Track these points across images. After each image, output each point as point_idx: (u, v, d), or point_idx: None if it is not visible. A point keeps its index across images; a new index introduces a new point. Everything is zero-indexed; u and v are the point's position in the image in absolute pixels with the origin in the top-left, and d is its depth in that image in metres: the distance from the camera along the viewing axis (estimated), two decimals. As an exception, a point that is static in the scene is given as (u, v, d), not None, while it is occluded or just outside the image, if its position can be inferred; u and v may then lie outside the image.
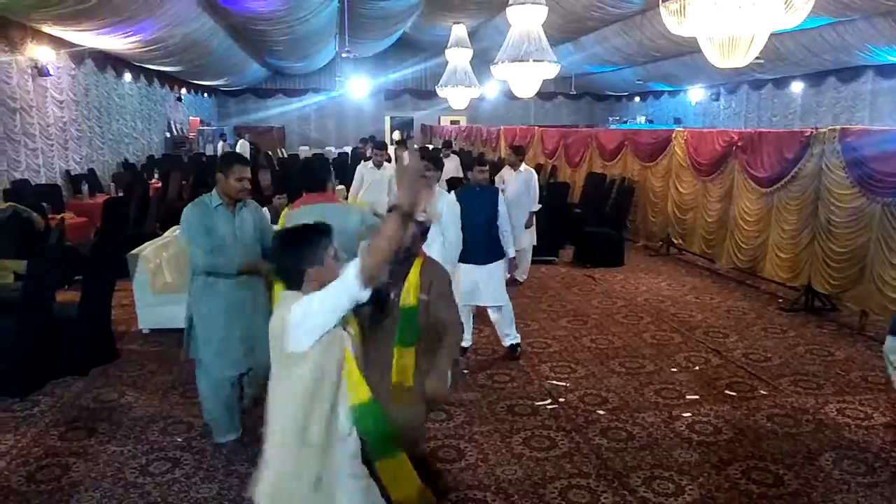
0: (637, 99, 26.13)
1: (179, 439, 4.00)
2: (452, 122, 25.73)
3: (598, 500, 3.37)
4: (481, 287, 5.12)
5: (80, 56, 12.22)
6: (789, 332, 6.07)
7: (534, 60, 12.67)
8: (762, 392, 4.71)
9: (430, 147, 15.79)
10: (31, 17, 9.46)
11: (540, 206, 7.65)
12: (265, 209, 4.21)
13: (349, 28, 16.36)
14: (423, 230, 2.75)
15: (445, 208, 4.37)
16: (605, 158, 11.38)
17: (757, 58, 7.72)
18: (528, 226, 7.44)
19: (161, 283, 6.00)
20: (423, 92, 26.27)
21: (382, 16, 17.04)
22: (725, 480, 3.55)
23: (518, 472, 3.62)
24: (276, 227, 3.69)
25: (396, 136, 20.40)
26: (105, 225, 8.25)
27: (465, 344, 5.24)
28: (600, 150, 11.56)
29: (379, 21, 17.69)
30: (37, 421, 4.25)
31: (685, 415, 4.35)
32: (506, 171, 7.68)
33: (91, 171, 12.48)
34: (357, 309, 2.10)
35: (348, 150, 20.48)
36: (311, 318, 1.96)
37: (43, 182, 10.64)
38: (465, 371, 5.04)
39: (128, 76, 15.11)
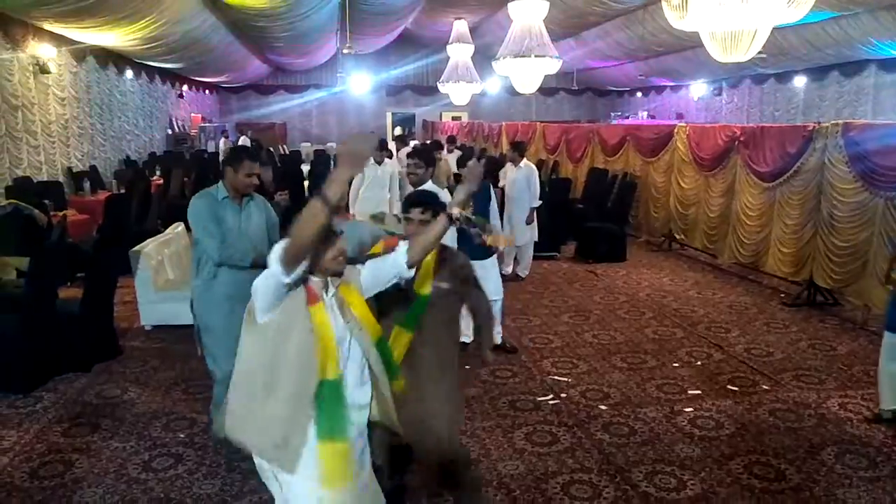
0: (639, 94, 26.07)
1: (182, 435, 4.01)
2: (454, 118, 25.69)
3: (600, 495, 3.38)
4: None
5: (81, 53, 12.22)
6: (791, 326, 6.06)
7: (535, 56, 12.66)
8: (764, 387, 4.71)
9: (428, 142, 15.76)
10: (32, 14, 9.46)
11: (540, 202, 7.65)
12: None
13: (350, 24, 16.33)
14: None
15: None
16: (606, 154, 11.37)
17: (759, 52, 7.70)
18: (528, 222, 7.44)
19: (163, 280, 6.01)
20: (425, 88, 26.24)
21: (384, 12, 17.01)
22: (727, 475, 3.55)
23: (520, 468, 3.62)
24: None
25: (398, 131, 20.40)
26: (107, 222, 8.25)
27: (464, 339, 5.24)
28: (602, 146, 11.55)
29: (380, 17, 17.66)
30: (40, 417, 4.26)
31: (687, 410, 4.35)
32: (508, 167, 7.69)
33: (93, 168, 12.48)
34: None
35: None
36: (261, 293, 2.09)
37: (45, 179, 10.65)
38: (468, 367, 5.04)
39: (129, 73, 15.11)
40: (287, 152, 20.99)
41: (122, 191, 10.41)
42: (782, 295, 7.05)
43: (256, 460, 2.25)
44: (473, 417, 4.22)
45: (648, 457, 3.75)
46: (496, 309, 5.32)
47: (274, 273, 2.03)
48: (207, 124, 22.43)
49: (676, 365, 5.14)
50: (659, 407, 4.39)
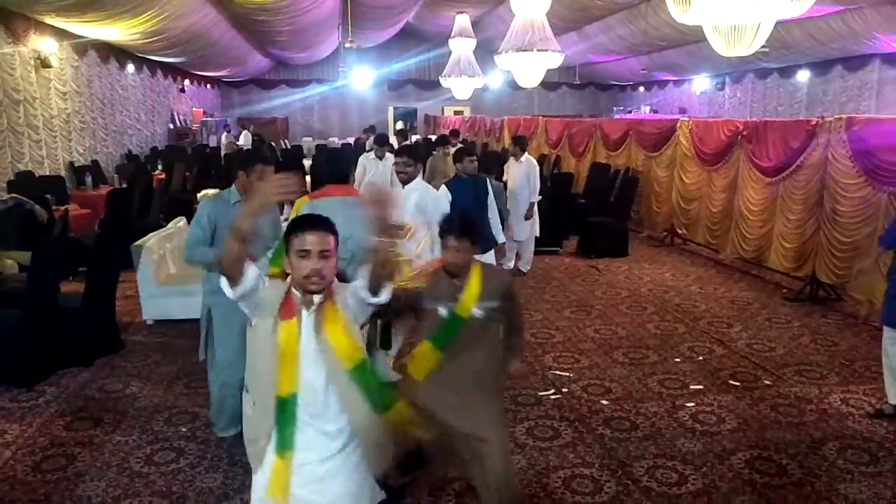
0: (641, 88, 26.01)
1: (184, 429, 4.02)
2: (456, 113, 25.65)
3: (602, 490, 3.38)
4: None
5: (82, 47, 12.21)
6: (794, 322, 6.05)
7: (538, 50, 12.65)
8: (766, 382, 4.71)
9: (432, 137, 15.74)
10: (34, 8, 9.45)
11: (540, 197, 7.63)
12: None
13: (352, 18, 16.31)
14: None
15: (430, 203, 4.33)
16: (609, 148, 11.34)
17: (762, 46, 7.68)
18: (527, 217, 7.43)
19: (165, 275, 6.01)
20: (427, 82, 26.21)
21: (385, 5, 16.98)
22: (729, 470, 3.55)
23: (522, 462, 3.62)
24: (289, 216, 3.63)
25: (399, 125, 20.40)
26: (109, 216, 8.25)
27: None
28: (604, 140, 11.52)
29: (382, 11, 17.64)
30: (42, 411, 4.27)
31: (689, 405, 4.34)
32: (511, 162, 7.70)
33: (95, 162, 12.49)
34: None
35: (351, 140, 20.46)
36: None
37: (47, 174, 10.64)
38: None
39: (131, 67, 15.09)
40: (289, 147, 20.97)
41: (124, 185, 10.40)
42: (784, 290, 7.04)
43: None
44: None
45: (650, 451, 3.75)
46: None
47: (223, 286, 2.07)
48: (209, 119, 22.42)
49: (678, 360, 5.14)
50: (660, 402, 4.39)
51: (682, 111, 21.46)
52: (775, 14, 6.89)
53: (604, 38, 18.85)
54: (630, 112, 22.97)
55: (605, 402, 4.40)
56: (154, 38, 12.56)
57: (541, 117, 16.15)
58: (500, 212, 5.47)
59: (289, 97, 26.36)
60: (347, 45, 17.95)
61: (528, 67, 13.42)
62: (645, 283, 7.45)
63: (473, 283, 2.68)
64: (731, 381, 4.72)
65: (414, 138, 17.82)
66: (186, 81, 20.21)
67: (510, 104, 26.54)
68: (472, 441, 2.71)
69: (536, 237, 7.83)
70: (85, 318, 5.05)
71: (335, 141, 22.36)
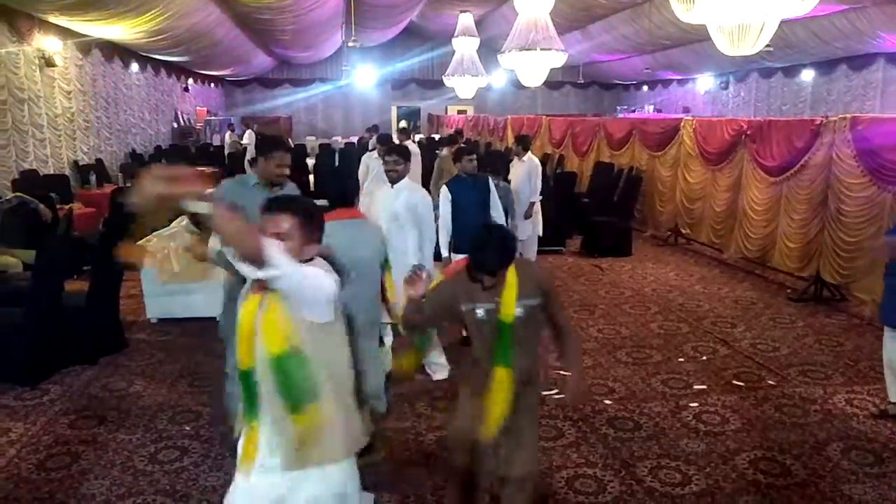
0: (645, 88, 25.98)
1: (188, 428, 4.02)
2: (459, 112, 25.65)
3: (605, 490, 3.38)
4: None
5: (87, 46, 12.23)
6: (798, 322, 6.04)
7: (541, 49, 12.64)
8: (770, 382, 4.70)
9: (435, 136, 15.74)
10: (38, 7, 9.47)
11: (540, 197, 7.62)
12: None
13: (355, 17, 16.31)
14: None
15: (419, 202, 4.33)
16: (612, 148, 11.33)
17: (766, 45, 7.66)
18: (526, 216, 7.42)
19: (169, 273, 6.02)
20: (430, 81, 26.20)
21: (389, 4, 16.98)
22: (732, 470, 3.54)
23: (525, 462, 3.62)
24: None
25: (403, 124, 20.43)
26: (113, 215, 8.26)
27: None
28: (608, 140, 11.51)
29: (385, 10, 17.63)
30: (46, 409, 4.28)
31: (692, 405, 4.34)
32: (514, 161, 7.69)
33: (99, 161, 12.51)
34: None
35: (355, 139, 20.47)
36: None
37: (51, 172, 10.68)
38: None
39: (135, 66, 15.12)
40: (292, 146, 20.98)
41: (128, 184, 10.42)
42: (789, 290, 7.02)
43: None
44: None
45: (653, 451, 3.74)
46: None
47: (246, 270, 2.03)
48: (213, 118, 22.46)
49: (682, 360, 5.13)
50: (664, 402, 4.38)
51: (686, 110, 21.42)
52: (779, 13, 6.87)
53: (607, 37, 18.83)
54: (634, 111, 22.93)
55: (608, 401, 4.39)
56: (158, 37, 12.59)
57: (544, 116, 16.14)
58: (505, 212, 5.44)
59: (292, 96, 26.40)
60: (351, 44, 17.96)
61: (531, 66, 13.41)
62: (648, 282, 7.44)
63: (511, 281, 2.56)
64: (735, 382, 4.71)
65: (417, 137, 17.85)
66: (190, 80, 20.25)
67: (513, 103, 26.53)
68: (507, 440, 2.64)
69: (539, 237, 7.81)
70: (89, 317, 5.06)
71: (339, 140, 22.35)
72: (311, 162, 15.57)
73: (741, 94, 20.44)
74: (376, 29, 20.49)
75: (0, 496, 3.32)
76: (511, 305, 2.54)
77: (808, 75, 17.33)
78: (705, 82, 21.80)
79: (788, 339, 5.56)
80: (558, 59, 13.06)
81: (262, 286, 2.01)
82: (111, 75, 13.86)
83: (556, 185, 9.83)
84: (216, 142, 20.08)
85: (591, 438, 3.89)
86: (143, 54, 15.07)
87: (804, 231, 6.85)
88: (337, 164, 14.60)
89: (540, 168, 7.70)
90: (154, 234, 6.32)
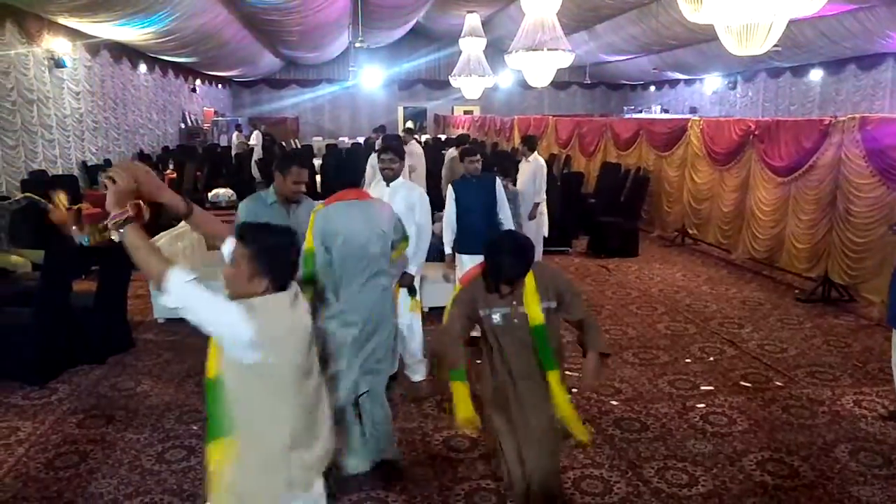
0: (652, 88, 25.92)
1: (195, 427, 4.03)
2: (466, 113, 25.65)
3: (611, 490, 3.37)
4: None
5: (95, 47, 12.31)
6: (806, 322, 6.01)
7: (548, 49, 12.61)
8: (777, 383, 4.68)
9: (441, 137, 15.75)
10: (47, 8, 9.53)
11: (544, 197, 7.60)
12: None
13: (362, 18, 16.33)
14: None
15: (416, 200, 4.34)
16: (619, 148, 11.31)
17: (774, 45, 7.61)
18: (530, 217, 7.41)
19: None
20: (437, 82, 26.22)
21: (395, 5, 17.00)
22: (739, 472, 3.53)
23: (531, 462, 3.61)
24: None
25: (409, 125, 20.45)
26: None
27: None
28: (615, 140, 11.48)
29: (392, 10, 17.65)
30: (55, 409, 4.31)
31: (699, 406, 4.32)
32: (521, 161, 7.69)
33: (107, 161, 12.58)
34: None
35: (361, 140, 20.51)
36: None
37: (60, 173, 10.74)
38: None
39: (143, 67, 15.19)
40: (299, 147, 21.04)
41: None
42: (796, 291, 6.98)
43: None
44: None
45: (660, 452, 3.73)
46: None
47: None
48: (220, 118, 22.54)
49: (689, 361, 5.11)
50: (671, 403, 4.37)
51: (694, 110, 21.36)
52: (788, 12, 6.83)
53: (614, 38, 18.79)
54: (641, 111, 22.87)
55: (615, 402, 4.39)
56: (166, 38, 12.64)
57: (551, 117, 16.12)
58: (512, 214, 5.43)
59: (299, 97, 26.47)
60: (358, 44, 17.99)
61: (538, 67, 13.38)
62: (655, 283, 7.42)
63: (530, 286, 2.58)
64: (743, 383, 4.69)
65: (423, 138, 17.86)
66: (198, 81, 20.33)
67: (520, 104, 26.51)
68: (533, 429, 2.76)
69: (545, 237, 7.80)
70: (97, 317, 5.09)
71: (345, 141, 22.40)
72: (317, 162, 15.58)
73: (749, 94, 20.36)
74: (383, 29, 20.52)
75: (9, 495, 3.34)
76: (536, 308, 2.58)
77: (816, 75, 17.25)
78: (713, 82, 21.72)
79: (796, 340, 5.54)
80: (565, 59, 13.03)
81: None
82: (119, 76, 13.94)
83: (563, 186, 9.81)
84: (223, 142, 20.15)
85: (598, 439, 3.88)
86: (151, 55, 15.14)
87: (812, 231, 6.82)
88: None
89: (545, 169, 7.69)
90: (163, 233, 6.34)
